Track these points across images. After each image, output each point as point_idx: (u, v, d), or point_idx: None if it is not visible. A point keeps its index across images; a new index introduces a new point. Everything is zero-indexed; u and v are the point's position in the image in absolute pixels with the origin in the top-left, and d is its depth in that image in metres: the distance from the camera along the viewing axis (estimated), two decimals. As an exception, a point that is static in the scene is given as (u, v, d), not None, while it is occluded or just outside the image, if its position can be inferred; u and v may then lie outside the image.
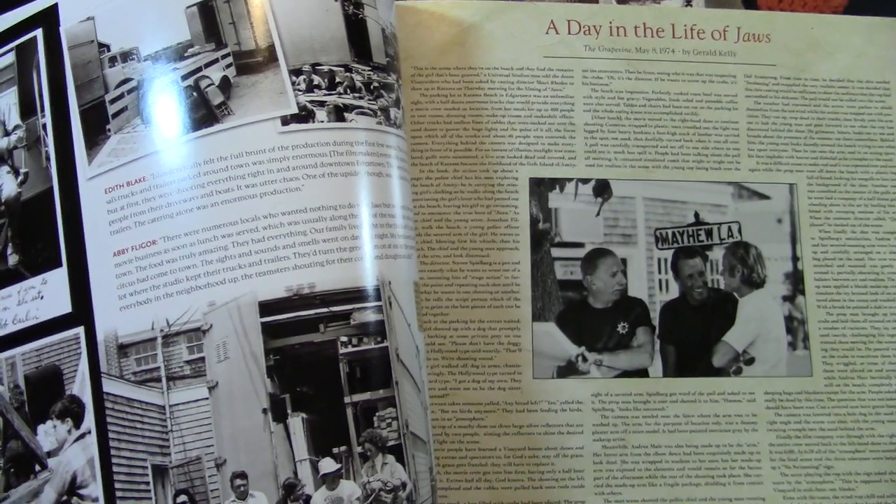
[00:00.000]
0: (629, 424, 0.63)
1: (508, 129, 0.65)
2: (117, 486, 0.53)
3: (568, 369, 0.64)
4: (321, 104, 0.55)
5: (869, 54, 0.69)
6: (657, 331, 0.65)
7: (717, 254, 0.66)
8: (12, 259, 0.58)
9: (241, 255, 0.53)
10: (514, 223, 0.64)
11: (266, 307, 0.52)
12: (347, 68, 0.56)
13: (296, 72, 0.55)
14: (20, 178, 0.59)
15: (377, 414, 0.52)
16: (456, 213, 0.64)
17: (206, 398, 0.53)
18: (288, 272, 0.52)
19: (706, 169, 0.66)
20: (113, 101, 0.57)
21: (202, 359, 0.53)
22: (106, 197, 0.56)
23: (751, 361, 0.65)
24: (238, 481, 0.51)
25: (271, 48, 0.55)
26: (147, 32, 0.56)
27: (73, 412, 0.54)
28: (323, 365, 0.52)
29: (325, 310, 0.52)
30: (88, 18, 0.57)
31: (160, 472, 0.53)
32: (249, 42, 0.55)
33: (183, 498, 0.52)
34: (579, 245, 0.65)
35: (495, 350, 0.63)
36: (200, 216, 0.53)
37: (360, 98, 0.56)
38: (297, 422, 0.51)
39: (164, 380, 0.53)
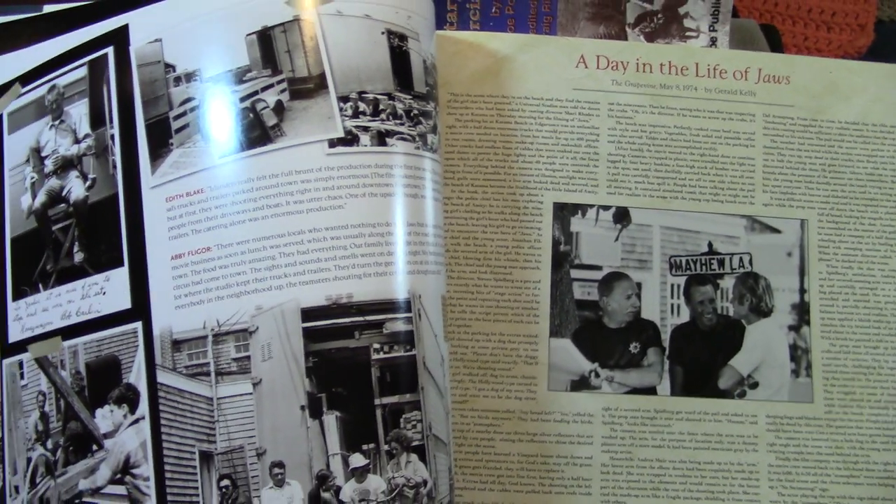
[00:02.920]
0: (636, 438, 0.67)
1: (536, 156, 0.69)
2: (167, 467, 0.57)
3: (581, 383, 0.67)
4: (365, 129, 0.59)
5: (884, 99, 0.72)
6: (667, 352, 0.68)
7: (727, 282, 0.70)
8: (78, 256, 0.63)
9: (286, 265, 0.57)
10: (537, 244, 0.68)
11: (307, 313, 0.56)
12: (390, 96, 0.60)
13: (343, 98, 0.59)
14: (88, 182, 0.64)
15: (404, 416, 0.56)
16: (483, 232, 0.68)
17: (251, 393, 0.57)
18: (328, 282, 0.56)
19: (721, 202, 0.70)
20: (176, 117, 0.61)
21: (248, 357, 0.57)
22: (167, 205, 0.60)
23: (755, 385, 0.68)
24: (276, 470, 0.55)
25: (322, 76, 0.59)
26: (210, 56, 0.61)
27: (129, 399, 0.59)
28: (356, 369, 0.56)
29: (360, 318, 0.56)
30: (156, 40, 0.62)
31: (206, 457, 0.57)
32: (303, 70, 0.60)
33: (226, 482, 0.56)
34: (597, 268, 0.69)
35: (513, 362, 0.67)
36: (251, 227, 0.58)
37: (401, 124, 0.60)
38: (331, 419, 0.55)
39: (212, 374, 0.57)
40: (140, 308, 0.60)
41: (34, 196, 0.65)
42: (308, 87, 0.60)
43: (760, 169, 0.71)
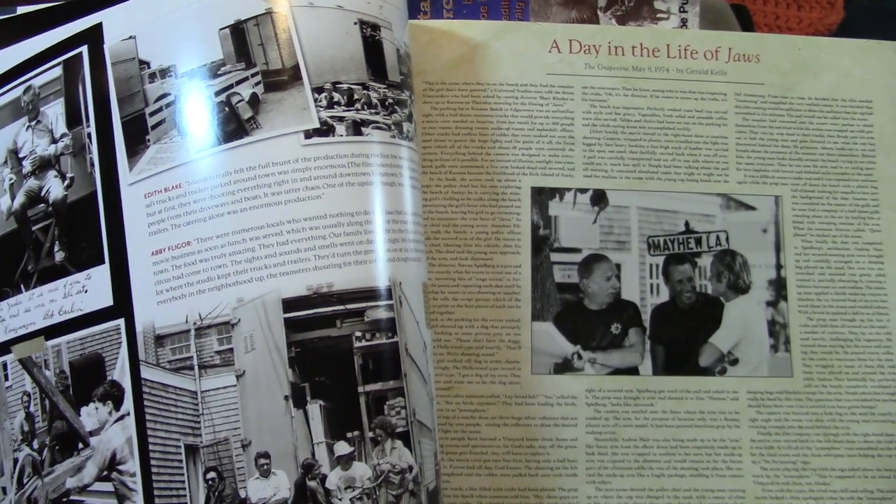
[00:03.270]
0: (620, 418, 0.67)
1: (512, 141, 0.70)
2: (153, 462, 0.58)
3: (564, 366, 0.68)
4: (340, 119, 0.59)
5: (854, 75, 0.73)
6: (648, 332, 0.69)
7: (705, 261, 0.70)
8: (59, 256, 0.63)
9: (266, 257, 0.57)
10: (517, 229, 0.69)
11: (289, 304, 0.57)
12: (365, 86, 0.60)
13: (318, 89, 0.60)
14: (66, 182, 0.64)
15: (387, 403, 0.56)
16: (462, 219, 0.69)
17: (234, 385, 0.57)
18: (309, 272, 0.57)
19: (696, 181, 0.71)
20: (152, 113, 0.61)
21: (231, 350, 0.57)
22: (145, 201, 0.60)
23: (735, 362, 0.69)
24: (262, 461, 0.56)
25: (296, 67, 0.60)
26: (184, 51, 0.61)
27: (114, 396, 0.59)
28: (339, 357, 0.56)
29: (341, 307, 0.56)
30: (130, 37, 0.62)
31: (192, 450, 0.57)
32: (276, 62, 0.60)
33: (212, 475, 0.56)
34: (577, 251, 0.69)
35: (497, 347, 0.68)
36: (230, 220, 0.58)
37: (376, 114, 0.60)
38: (315, 408, 0.56)
39: (196, 368, 0.58)
40: (122, 305, 0.60)
41: (13, 198, 0.65)
42: (282, 80, 0.60)
43: (734, 147, 0.71)
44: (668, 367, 0.69)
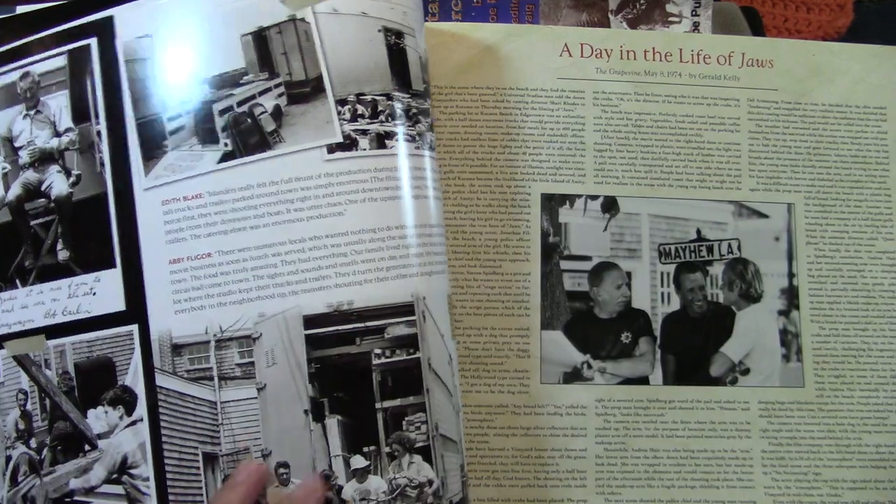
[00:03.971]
0: (630, 429, 0.67)
1: (522, 147, 0.69)
2: (168, 468, 0.57)
3: (573, 375, 0.67)
4: (364, 133, 0.58)
5: (868, 81, 0.72)
6: (658, 341, 0.68)
7: (717, 269, 0.69)
8: (62, 255, 0.62)
9: (288, 273, 0.57)
10: (526, 236, 0.68)
11: (309, 320, 0.56)
12: (389, 97, 0.59)
13: (341, 102, 0.58)
14: (72, 179, 0.62)
15: (406, 418, 0.56)
16: (471, 226, 0.68)
17: (255, 397, 0.57)
18: (329, 290, 0.56)
19: (709, 188, 0.70)
20: (171, 118, 0.60)
21: (252, 363, 0.57)
22: (163, 208, 0.59)
23: (746, 372, 0.68)
24: (281, 470, 0.56)
25: (319, 78, 0.59)
26: (204, 56, 0.60)
27: (125, 401, 0.58)
28: (358, 374, 0.56)
29: (361, 325, 0.56)
30: (146, 35, 0.61)
31: (210, 458, 0.57)
32: (300, 72, 0.59)
33: None
34: (587, 258, 0.69)
35: (505, 356, 0.67)
36: (253, 235, 0.57)
37: (400, 125, 0.59)
38: (333, 423, 0.56)
39: (216, 379, 0.58)
40: (136, 311, 0.59)
41: (7, 188, 0.64)
42: (305, 91, 0.59)
43: (746, 154, 0.70)
44: (678, 376, 0.68)
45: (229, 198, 0.58)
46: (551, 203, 0.68)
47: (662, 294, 0.69)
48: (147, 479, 0.58)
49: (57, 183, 0.63)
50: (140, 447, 0.58)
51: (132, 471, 0.58)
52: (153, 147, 0.60)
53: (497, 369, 0.66)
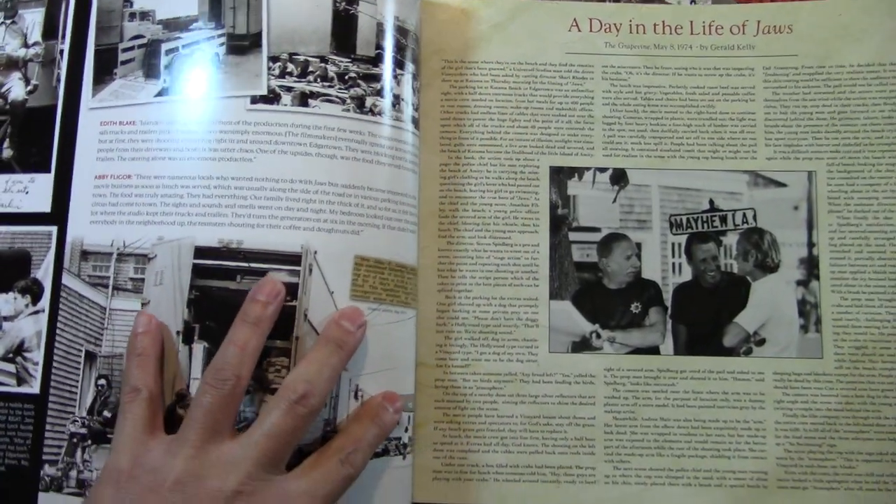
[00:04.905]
0: (639, 398, 0.67)
1: (531, 121, 0.70)
2: (56, 358, 0.64)
3: (582, 345, 0.68)
4: (289, 89, 0.64)
5: (901, 37, 0.70)
6: (669, 311, 0.68)
7: (730, 239, 0.69)
8: (6, 153, 0.69)
9: (190, 205, 0.63)
10: (535, 208, 0.69)
11: (200, 251, 0.62)
12: (323, 59, 0.64)
13: (274, 58, 0.64)
14: (29, 87, 0.69)
15: (268, 359, 0.60)
16: (481, 198, 0.69)
17: (138, 311, 0.63)
18: (224, 227, 0.62)
19: (722, 158, 0.69)
20: (124, 50, 0.67)
21: (143, 279, 0.63)
22: (100, 128, 0.66)
23: (761, 343, 0.67)
24: None
25: (258, 35, 0.65)
26: (165, 0, 0.67)
27: (33, 291, 0.65)
28: (231, 309, 0.60)
29: (244, 264, 0.61)
30: None
31: (90, 356, 0.63)
32: (242, 27, 0.65)
33: (102, 381, 0.63)
34: (596, 230, 0.69)
35: (514, 325, 0.68)
36: (169, 165, 0.64)
37: (330, 87, 0.64)
38: (199, 348, 0.61)
39: (110, 288, 0.63)
40: (59, 215, 0.66)
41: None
42: (244, 45, 0.65)
43: (762, 123, 0.69)
44: (690, 347, 0.68)
45: (157, 129, 0.64)
46: (560, 176, 0.69)
47: (673, 265, 0.69)
48: (37, 364, 0.64)
49: (15, 88, 0.69)
50: (37, 334, 0.64)
51: (26, 354, 0.65)
52: (104, 73, 0.67)
53: (506, 338, 0.68)
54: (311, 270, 0.61)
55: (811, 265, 0.68)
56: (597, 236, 0.69)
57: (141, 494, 0.53)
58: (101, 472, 0.56)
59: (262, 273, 0.61)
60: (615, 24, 0.71)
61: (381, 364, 0.63)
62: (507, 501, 0.66)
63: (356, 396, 0.62)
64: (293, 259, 0.61)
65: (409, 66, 0.67)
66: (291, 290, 0.61)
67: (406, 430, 0.65)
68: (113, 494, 0.54)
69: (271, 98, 0.63)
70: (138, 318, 0.61)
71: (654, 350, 0.68)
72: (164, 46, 0.66)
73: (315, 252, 0.62)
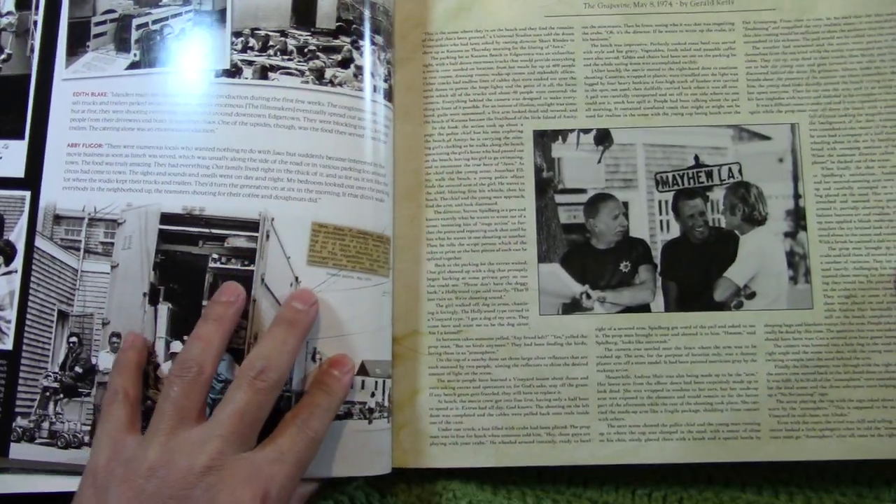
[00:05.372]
0: (632, 356, 0.67)
1: (513, 86, 0.70)
2: (29, 316, 0.66)
3: (573, 306, 0.68)
4: (250, 63, 0.67)
5: (879, -12, 0.70)
6: (659, 268, 0.68)
7: (717, 194, 0.69)
8: None
9: (157, 174, 0.66)
10: (520, 173, 0.70)
11: (166, 217, 0.66)
12: (283, 33, 0.67)
13: (237, 34, 0.68)
14: (3, 56, 0.71)
15: None
16: (466, 166, 0.70)
17: (108, 273, 0.66)
18: (187, 195, 0.66)
19: (705, 114, 0.69)
20: (97, 24, 0.70)
21: (112, 244, 0.66)
22: (73, 99, 0.68)
23: (752, 296, 0.68)
24: (114, 339, 0.65)
25: (223, 11, 0.68)
26: None
27: (6, 253, 0.67)
28: (193, 272, 0.65)
29: (206, 230, 0.65)
30: None
31: (63, 315, 0.66)
32: (208, 3, 0.69)
33: (74, 339, 0.66)
34: (582, 191, 0.69)
35: (504, 290, 0.69)
36: (136, 135, 0.67)
37: (289, 60, 0.67)
38: (164, 309, 0.65)
39: (82, 251, 0.66)
40: (32, 180, 0.68)
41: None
42: (209, 21, 0.68)
43: (744, 77, 0.69)
44: (681, 303, 0.68)
45: (127, 101, 0.68)
46: (544, 139, 0.70)
47: (661, 222, 0.69)
48: (10, 322, 0.66)
49: None
50: (10, 294, 0.67)
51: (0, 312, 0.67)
52: (77, 45, 0.70)
53: (496, 303, 0.68)
54: (268, 236, 0.65)
55: (798, 217, 0.68)
56: (583, 198, 0.69)
57: (117, 486, 0.54)
58: (82, 474, 0.58)
59: (223, 238, 0.65)
60: (593, -15, 0.71)
61: (342, 329, 0.65)
62: (504, 462, 0.67)
63: (314, 359, 0.64)
64: (251, 225, 0.65)
65: (377, 38, 0.69)
66: (249, 255, 0.65)
67: (372, 394, 0.66)
68: (91, 493, 0.56)
69: (234, 72, 0.67)
70: (126, 338, 0.64)
71: (644, 308, 0.68)
72: (135, 21, 0.69)
73: (272, 219, 0.65)
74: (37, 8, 0.70)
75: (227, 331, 0.61)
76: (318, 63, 0.67)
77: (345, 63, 0.67)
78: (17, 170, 0.68)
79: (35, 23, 0.70)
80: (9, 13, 0.71)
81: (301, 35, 0.67)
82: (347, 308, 0.65)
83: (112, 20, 0.69)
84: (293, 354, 0.61)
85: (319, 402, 0.61)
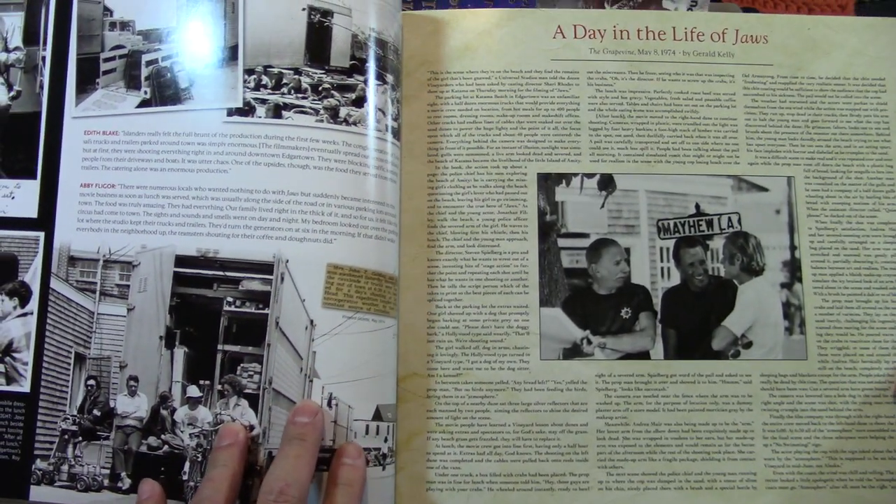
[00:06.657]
0: (631, 403, 0.67)
1: (518, 128, 0.70)
2: (45, 359, 0.65)
3: (573, 351, 0.68)
4: (263, 102, 0.65)
5: (865, 53, 0.72)
6: (659, 315, 0.69)
7: (717, 243, 0.70)
8: None
9: (171, 215, 0.65)
10: (523, 215, 0.69)
11: (180, 260, 0.64)
12: (297, 71, 0.66)
13: (249, 71, 0.66)
14: (12, 93, 0.68)
15: (242, 364, 0.63)
16: (469, 206, 0.69)
17: (124, 315, 0.65)
18: (201, 237, 0.64)
19: (706, 163, 0.70)
20: (106, 60, 0.67)
21: (128, 286, 0.65)
22: (84, 137, 0.67)
23: (749, 345, 0.69)
24: (131, 382, 0.64)
25: (235, 48, 0.66)
26: (144, 10, 0.67)
27: (21, 294, 0.66)
28: (209, 315, 0.64)
29: (220, 273, 0.64)
30: None
31: (80, 358, 0.65)
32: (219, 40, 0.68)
33: (92, 382, 0.65)
34: (585, 235, 0.69)
35: (505, 333, 0.68)
36: (150, 176, 0.65)
37: (304, 98, 0.65)
38: (180, 352, 0.64)
39: (98, 293, 0.65)
40: (45, 220, 0.66)
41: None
42: (221, 57, 0.66)
43: (743, 128, 0.71)
44: (680, 350, 0.68)
45: (139, 140, 0.66)
46: (547, 182, 0.69)
47: (662, 269, 0.69)
48: (26, 364, 0.65)
49: None
50: (26, 336, 0.65)
51: (15, 354, 0.66)
52: (87, 82, 0.68)
53: (497, 346, 0.67)
54: (282, 279, 0.63)
55: (794, 268, 0.69)
56: (585, 242, 0.69)
57: None
58: None
59: (237, 281, 0.64)
60: (599, 31, 0.71)
61: (358, 373, 0.63)
62: (504, 511, 0.66)
63: (329, 405, 0.62)
64: (266, 268, 0.63)
65: (388, 77, 0.67)
66: (263, 298, 0.63)
67: (385, 440, 0.64)
68: None
69: (246, 110, 0.65)
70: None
71: (644, 355, 0.68)
72: (145, 58, 0.67)
73: (287, 261, 0.63)
74: (45, 43, 0.68)
75: (234, 471, 0.59)
76: (332, 101, 0.65)
77: (359, 102, 0.65)
78: (31, 210, 0.66)
79: (44, 59, 0.68)
80: (16, 48, 0.68)
81: (315, 73, 0.66)
82: (362, 352, 0.63)
83: (121, 56, 0.67)
84: (309, 467, 0.59)
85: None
